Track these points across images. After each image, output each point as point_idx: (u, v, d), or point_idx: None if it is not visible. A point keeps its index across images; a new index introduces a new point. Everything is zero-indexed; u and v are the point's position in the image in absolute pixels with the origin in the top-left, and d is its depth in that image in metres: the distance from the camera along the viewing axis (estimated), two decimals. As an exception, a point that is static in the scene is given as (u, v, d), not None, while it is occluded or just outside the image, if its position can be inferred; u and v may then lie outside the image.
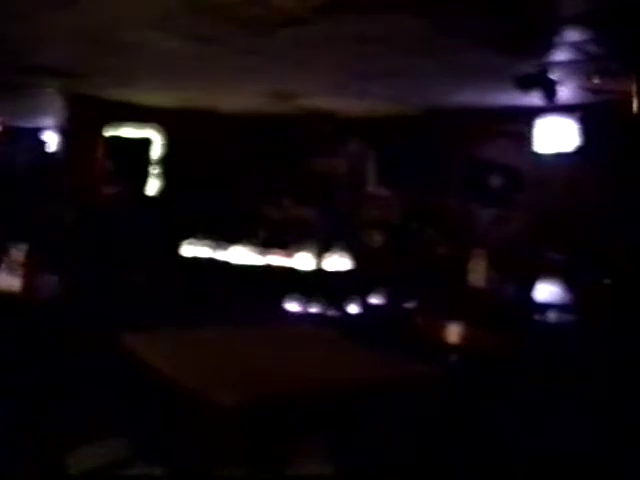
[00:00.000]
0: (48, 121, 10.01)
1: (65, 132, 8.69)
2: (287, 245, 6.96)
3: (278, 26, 4.21)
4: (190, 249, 7.25)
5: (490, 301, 5.81)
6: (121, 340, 3.23)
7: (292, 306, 6.56)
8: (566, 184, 6.37)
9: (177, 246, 7.27)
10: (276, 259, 6.88)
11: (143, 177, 8.77)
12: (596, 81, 4.99)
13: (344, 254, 6.86)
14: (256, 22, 4.16)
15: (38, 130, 10.77)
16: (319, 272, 6.75)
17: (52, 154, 10.27)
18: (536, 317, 5.58)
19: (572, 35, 4.09)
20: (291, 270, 6.77)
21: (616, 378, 4.20)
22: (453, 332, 5.01)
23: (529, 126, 6.37)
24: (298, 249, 6.87)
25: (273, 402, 2.57)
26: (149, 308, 6.01)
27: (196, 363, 2.90)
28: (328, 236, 7.13)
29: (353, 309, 6.61)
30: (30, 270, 4.84)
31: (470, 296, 6.04)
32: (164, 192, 8.65)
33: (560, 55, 4.54)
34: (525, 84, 4.99)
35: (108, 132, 8.31)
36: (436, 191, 7.36)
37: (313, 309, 6.53)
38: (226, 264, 7.01)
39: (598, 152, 5.88)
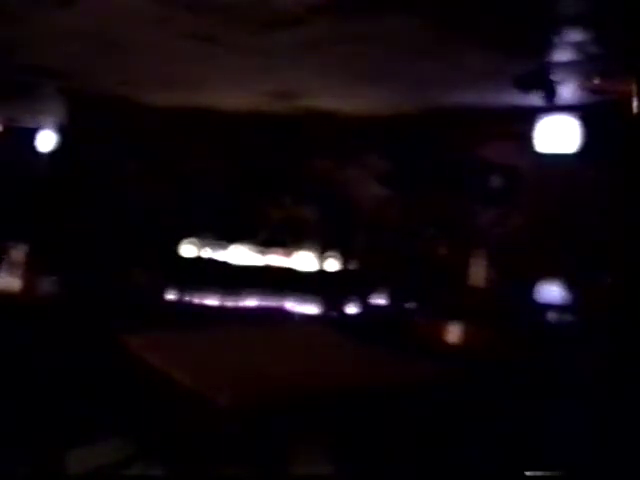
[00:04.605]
0: (48, 121, 10.01)
1: (65, 132, 8.70)
2: (287, 245, 6.97)
3: (278, 26, 4.21)
4: (190, 249, 7.26)
5: (490, 301, 5.81)
6: (121, 340, 3.23)
7: (292, 306, 6.56)
8: (566, 184, 6.37)
9: (177, 246, 7.27)
10: (276, 259, 6.88)
11: (143, 176, 8.76)
12: (596, 81, 4.99)
13: (344, 254, 6.86)
14: (256, 22, 4.16)
15: (38, 130, 10.76)
16: (319, 272, 6.75)
17: (52, 154, 10.26)
18: (536, 317, 5.58)
19: (572, 35, 4.09)
20: (291, 270, 6.77)
21: (617, 378, 4.20)
22: (453, 332, 5.02)
23: (529, 126, 6.37)
24: (298, 249, 6.87)
25: (272, 402, 2.57)
26: (149, 308, 6.01)
27: (195, 363, 2.90)
28: (328, 236, 7.13)
29: (353, 309, 6.61)
30: (30, 270, 4.85)
31: (470, 296, 6.04)
32: (164, 191, 8.65)
33: (560, 55, 4.54)
34: (525, 84, 4.99)
35: (108, 132, 8.31)
36: (436, 191, 7.36)
37: (313, 309, 6.53)
38: (226, 264, 7.01)
39: (598, 152, 5.88)
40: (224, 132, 8.09)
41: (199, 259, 7.14)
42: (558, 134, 6.16)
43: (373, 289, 6.70)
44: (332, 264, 6.78)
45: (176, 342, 3.29)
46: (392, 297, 6.64)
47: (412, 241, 7.24)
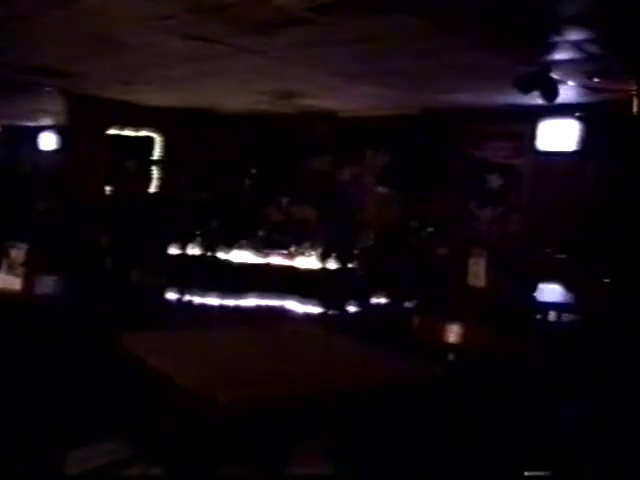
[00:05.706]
0: (48, 121, 10.02)
1: (65, 132, 8.71)
2: (287, 245, 6.96)
3: (278, 26, 4.22)
4: (190, 248, 7.25)
5: (490, 301, 5.80)
6: (120, 340, 3.23)
7: (292, 306, 6.55)
8: (566, 184, 6.37)
9: (177, 246, 7.27)
10: (276, 259, 6.88)
11: (143, 176, 8.78)
12: (596, 81, 5.00)
13: (344, 254, 6.86)
14: (256, 22, 4.16)
15: (38, 130, 10.77)
16: (319, 272, 6.75)
17: (52, 154, 10.27)
18: (536, 317, 5.58)
19: (572, 35, 4.10)
20: (291, 270, 6.77)
21: (616, 377, 4.20)
22: (453, 332, 5.01)
23: (529, 126, 6.37)
24: (298, 249, 6.87)
25: (271, 402, 2.57)
26: (149, 308, 6.01)
27: (195, 363, 2.90)
28: (328, 236, 7.13)
29: (353, 309, 6.60)
30: (30, 270, 4.84)
31: (470, 296, 6.03)
32: (164, 191, 8.66)
33: (560, 55, 4.55)
34: (525, 84, 4.99)
35: (108, 132, 8.32)
36: (436, 191, 7.37)
37: (313, 309, 6.52)
38: (226, 264, 7.01)
39: (598, 152, 5.89)
40: (224, 132, 8.09)
41: (199, 259, 7.14)
42: (558, 134, 6.17)
43: (373, 289, 6.70)
44: (332, 264, 6.77)
45: (176, 342, 3.29)
46: (392, 297, 6.64)
47: (412, 241, 7.24)
